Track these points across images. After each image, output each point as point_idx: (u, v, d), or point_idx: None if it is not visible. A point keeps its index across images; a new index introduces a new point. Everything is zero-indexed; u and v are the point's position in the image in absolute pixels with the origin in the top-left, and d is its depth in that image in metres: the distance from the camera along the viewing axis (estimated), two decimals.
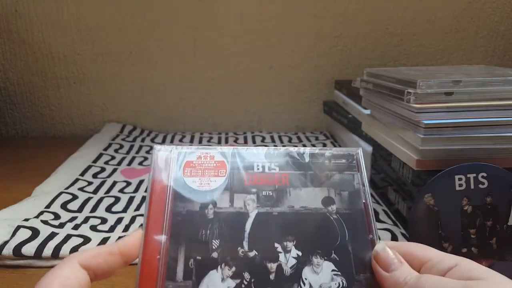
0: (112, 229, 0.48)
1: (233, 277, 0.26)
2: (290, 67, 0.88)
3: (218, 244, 0.27)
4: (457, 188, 0.40)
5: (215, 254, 0.27)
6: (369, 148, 0.62)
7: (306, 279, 0.27)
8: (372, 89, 0.53)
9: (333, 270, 0.27)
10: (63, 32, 0.84)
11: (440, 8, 0.86)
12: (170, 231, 0.27)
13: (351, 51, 0.88)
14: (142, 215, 0.52)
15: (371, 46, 0.88)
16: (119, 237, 0.46)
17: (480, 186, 0.40)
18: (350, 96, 0.73)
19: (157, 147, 0.30)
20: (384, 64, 0.89)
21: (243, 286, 0.26)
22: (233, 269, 0.26)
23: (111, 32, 0.84)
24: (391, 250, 0.27)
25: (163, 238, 0.27)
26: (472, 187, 0.40)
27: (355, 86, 0.58)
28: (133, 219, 0.51)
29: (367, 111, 0.59)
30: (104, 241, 0.45)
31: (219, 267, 0.26)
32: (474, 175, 0.40)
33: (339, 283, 0.27)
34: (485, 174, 0.39)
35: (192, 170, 0.30)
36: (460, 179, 0.40)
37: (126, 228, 0.49)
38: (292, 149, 0.31)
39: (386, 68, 0.86)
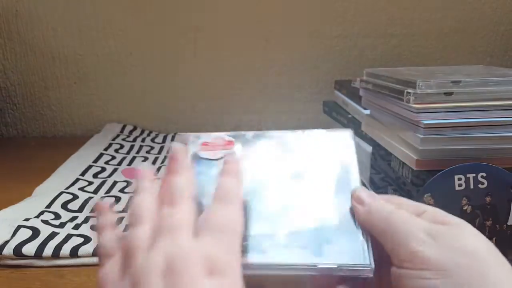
0: None
1: None
2: (289, 67, 0.88)
3: None
4: (457, 188, 0.40)
5: None
6: (369, 148, 0.62)
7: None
8: (371, 89, 0.53)
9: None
10: (64, 32, 0.84)
11: (440, 8, 0.86)
12: None
13: (350, 51, 0.88)
14: None
15: (370, 46, 0.88)
16: None
17: (480, 186, 0.40)
18: (350, 96, 0.73)
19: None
20: (383, 64, 0.89)
21: None
22: None
23: (112, 32, 0.85)
24: (366, 190, 0.29)
25: None
26: (472, 187, 0.40)
27: (355, 86, 0.58)
28: None
29: (367, 111, 0.59)
30: None
31: None
32: (474, 175, 0.40)
33: None
34: (484, 174, 0.40)
35: (206, 147, 0.35)
36: (459, 179, 0.40)
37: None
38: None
39: (386, 68, 0.86)
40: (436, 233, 0.24)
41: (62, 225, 0.48)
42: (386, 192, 0.55)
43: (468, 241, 0.24)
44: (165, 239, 0.23)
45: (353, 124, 0.70)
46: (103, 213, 0.28)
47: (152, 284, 0.21)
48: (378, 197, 0.28)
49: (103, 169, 0.67)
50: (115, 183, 0.62)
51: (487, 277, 0.22)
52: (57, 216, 0.50)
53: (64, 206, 0.53)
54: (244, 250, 0.26)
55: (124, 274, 0.23)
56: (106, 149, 0.75)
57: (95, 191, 0.59)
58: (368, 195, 0.28)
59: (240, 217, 0.25)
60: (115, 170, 0.67)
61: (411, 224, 0.25)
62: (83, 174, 0.64)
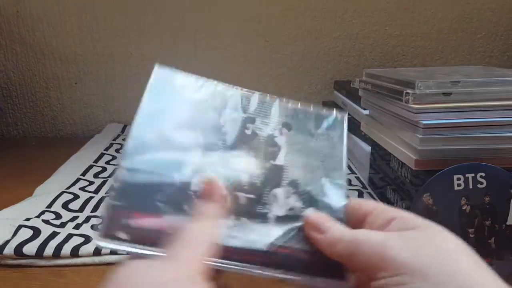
0: None
1: None
2: (289, 67, 0.89)
3: None
4: (456, 188, 0.40)
5: None
6: (368, 148, 0.62)
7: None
8: (371, 89, 0.53)
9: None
10: (65, 33, 0.84)
11: (439, 9, 0.86)
12: None
13: (350, 52, 0.88)
14: None
15: (370, 47, 0.88)
16: None
17: (479, 186, 0.40)
18: (349, 96, 0.73)
19: None
20: (383, 64, 0.89)
21: None
22: None
23: (112, 33, 0.85)
24: (318, 214, 0.27)
25: None
26: (471, 187, 0.40)
27: (354, 87, 0.58)
28: None
29: (366, 112, 0.60)
30: None
31: None
32: (473, 175, 0.40)
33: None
34: (483, 174, 0.40)
35: None
36: (458, 179, 0.40)
37: None
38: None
39: (385, 68, 0.86)
40: (406, 237, 0.23)
41: (63, 225, 0.48)
42: (385, 192, 0.55)
43: (440, 241, 0.23)
44: None
45: (353, 124, 0.70)
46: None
47: None
48: (333, 221, 0.27)
49: (104, 169, 0.67)
50: None
51: (464, 276, 0.22)
52: (58, 216, 0.50)
53: (65, 206, 0.53)
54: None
55: None
56: (107, 149, 0.75)
57: (96, 191, 0.59)
58: (324, 221, 0.27)
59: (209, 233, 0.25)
60: (115, 170, 0.67)
61: (377, 236, 0.24)
62: (84, 174, 0.64)
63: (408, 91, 0.42)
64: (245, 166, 0.29)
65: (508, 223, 0.40)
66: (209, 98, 0.31)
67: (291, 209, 0.28)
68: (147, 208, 0.26)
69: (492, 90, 0.43)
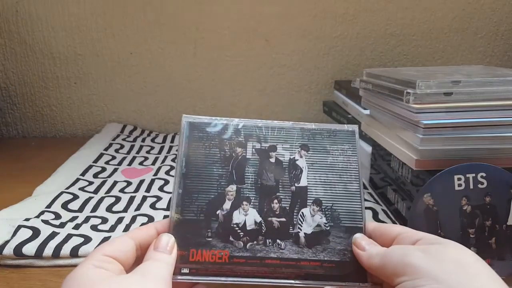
0: (112, 228, 0.48)
1: None
2: (289, 67, 0.88)
3: None
4: (456, 188, 0.40)
5: None
6: (369, 148, 0.62)
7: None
8: (371, 89, 0.53)
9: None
10: (64, 32, 0.84)
11: (439, 8, 0.86)
12: None
13: (350, 52, 0.88)
14: (142, 215, 0.52)
15: (370, 46, 0.88)
16: None
17: (479, 186, 0.40)
18: (350, 96, 0.73)
19: None
20: (383, 64, 0.89)
21: None
22: None
23: (112, 32, 0.85)
24: (365, 238, 0.33)
25: None
26: (471, 187, 0.40)
27: (355, 87, 0.58)
28: (133, 219, 0.51)
29: (367, 111, 0.59)
30: (104, 241, 0.45)
31: None
32: (473, 175, 0.40)
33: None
34: (484, 174, 0.40)
35: None
36: (459, 179, 0.40)
37: (126, 228, 0.49)
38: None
39: (386, 68, 0.86)
40: (429, 250, 0.27)
41: (62, 225, 0.48)
42: (385, 192, 0.55)
43: (455, 253, 0.27)
44: None
45: (353, 124, 0.70)
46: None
47: None
48: (374, 243, 0.32)
49: (103, 169, 0.67)
50: (115, 183, 0.62)
51: (473, 282, 0.24)
52: (57, 216, 0.50)
53: (65, 206, 0.53)
54: None
55: None
56: (106, 149, 0.75)
57: (95, 191, 0.59)
58: (366, 243, 0.32)
59: None
60: (115, 170, 0.67)
61: (403, 248, 0.29)
62: (83, 174, 0.64)
63: (409, 90, 0.42)
64: (273, 192, 0.34)
65: (508, 223, 0.40)
66: (233, 135, 0.36)
67: (317, 225, 0.33)
68: (200, 245, 0.32)
69: (493, 90, 0.43)
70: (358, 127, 0.38)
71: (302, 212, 0.33)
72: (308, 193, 0.34)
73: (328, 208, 0.34)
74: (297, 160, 0.35)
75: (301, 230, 0.33)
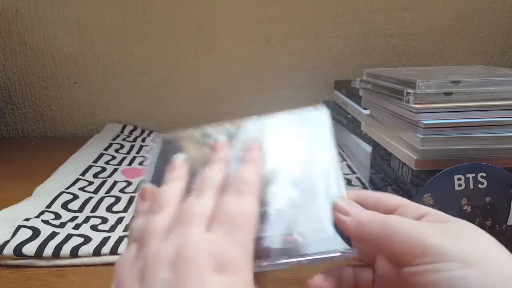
0: (112, 228, 0.48)
1: None
2: (289, 67, 0.88)
3: None
4: (456, 188, 0.40)
5: None
6: (369, 148, 0.62)
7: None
8: (371, 89, 0.53)
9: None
10: (64, 32, 0.84)
11: (439, 8, 0.86)
12: None
13: (350, 52, 0.88)
14: None
15: (370, 46, 0.88)
16: (120, 237, 0.46)
17: (479, 186, 0.40)
18: (350, 96, 0.73)
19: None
20: (383, 64, 0.89)
21: None
22: None
23: (112, 32, 0.85)
24: (348, 199, 0.28)
25: None
26: (471, 187, 0.40)
27: (355, 87, 0.58)
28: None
29: (367, 111, 0.59)
30: (104, 240, 0.45)
31: None
32: (473, 175, 0.40)
33: None
34: (484, 174, 0.40)
35: None
36: (459, 179, 0.40)
37: (126, 228, 0.49)
38: None
39: (386, 68, 0.86)
40: (444, 228, 0.23)
41: (62, 225, 0.48)
42: (385, 192, 0.55)
43: (476, 233, 0.24)
44: (178, 230, 0.23)
45: (353, 124, 0.70)
46: (144, 199, 0.28)
47: (158, 273, 0.21)
48: (358, 205, 0.27)
49: (104, 169, 0.67)
50: (115, 183, 0.62)
51: (508, 264, 0.22)
52: (57, 216, 0.50)
53: (65, 206, 0.53)
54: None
55: (137, 260, 0.23)
56: (106, 149, 0.75)
57: (95, 191, 0.59)
58: (352, 206, 0.27)
59: (255, 211, 0.25)
60: (115, 170, 0.67)
61: (413, 223, 0.24)
62: (83, 174, 0.64)
63: (409, 90, 0.42)
64: None
65: (508, 223, 0.40)
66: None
67: (289, 200, 0.29)
68: None
69: (493, 90, 0.43)
70: (323, 104, 0.36)
71: (273, 190, 0.30)
72: (280, 173, 0.30)
73: (304, 188, 0.30)
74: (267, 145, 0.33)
75: (270, 207, 0.29)
